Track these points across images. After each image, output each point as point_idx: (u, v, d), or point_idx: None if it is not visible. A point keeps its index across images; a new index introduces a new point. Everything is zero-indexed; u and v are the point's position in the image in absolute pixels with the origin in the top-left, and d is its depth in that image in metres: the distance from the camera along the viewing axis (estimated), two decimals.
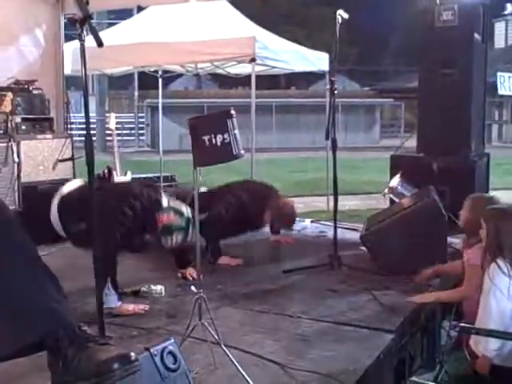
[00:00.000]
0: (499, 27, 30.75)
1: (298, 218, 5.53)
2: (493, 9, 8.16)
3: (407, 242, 4.42)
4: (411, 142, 6.98)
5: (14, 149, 5.90)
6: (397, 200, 5.44)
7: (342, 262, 4.66)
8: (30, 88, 6.39)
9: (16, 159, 5.90)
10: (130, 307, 3.71)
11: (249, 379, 2.70)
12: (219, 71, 9.84)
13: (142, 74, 15.83)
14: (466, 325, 3.22)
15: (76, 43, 2.68)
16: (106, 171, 6.69)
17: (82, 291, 3.59)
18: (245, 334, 3.38)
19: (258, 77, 8.05)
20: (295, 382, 2.81)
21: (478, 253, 3.41)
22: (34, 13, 6.84)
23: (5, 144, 5.86)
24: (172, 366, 2.33)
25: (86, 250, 3.58)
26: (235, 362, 2.77)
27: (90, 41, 2.43)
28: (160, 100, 11.51)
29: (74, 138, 6.72)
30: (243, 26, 9.00)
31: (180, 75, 14.15)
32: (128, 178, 7.02)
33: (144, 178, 9.96)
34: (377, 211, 5.60)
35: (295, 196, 10.87)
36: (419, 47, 6.64)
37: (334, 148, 4.92)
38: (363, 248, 4.85)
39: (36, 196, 4.23)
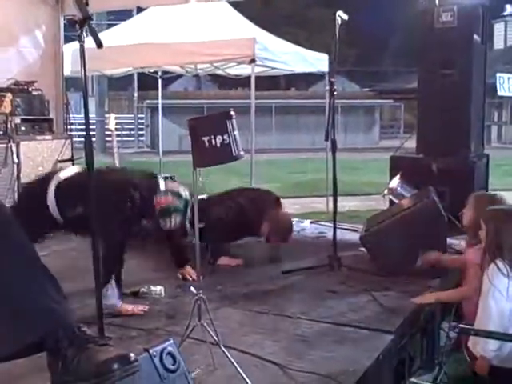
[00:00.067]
0: (498, 28, 30.81)
1: (297, 219, 5.54)
2: (492, 10, 8.18)
3: (407, 242, 4.41)
4: (411, 143, 6.98)
5: (14, 150, 5.91)
6: (396, 201, 5.44)
7: (341, 263, 4.66)
8: (30, 89, 6.40)
9: (15, 160, 5.90)
10: (130, 308, 3.72)
11: (248, 380, 2.70)
12: (219, 72, 9.84)
13: (141, 75, 15.86)
14: (466, 326, 3.22)
15: (76, 44, 2.68)
16: None
17: (82, 292, 3.59)
18: (244, 335, 3.38)
19: (257, 78, 8.05)
20: (295, 382, 2.81)
21: (480, 252, 3.41)
22: (34, 14, 6.86)
23: (4, 145, 5.87)
24: (171, 367, 2.33)
25: (83, 237, 3.59)
26: (234, 363, 2.76)
27: (89, 42, 2.43)
28: (160, 101, 11.52)
29: (74, 139, 6.74)
30: (243, 27, 9.01)
31: (180, 76, 14.19)
32: None
33: None
34: (376, 212, 5.60)
35: (294, 197, 10.95)
36: (419, 48, 6.65)
37: (334, 149, 4.92)
38: (363, 249, 4.85)
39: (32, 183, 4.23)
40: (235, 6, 9.46)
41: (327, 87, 6.44)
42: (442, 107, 6.20)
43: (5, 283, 2.02)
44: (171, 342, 2.40)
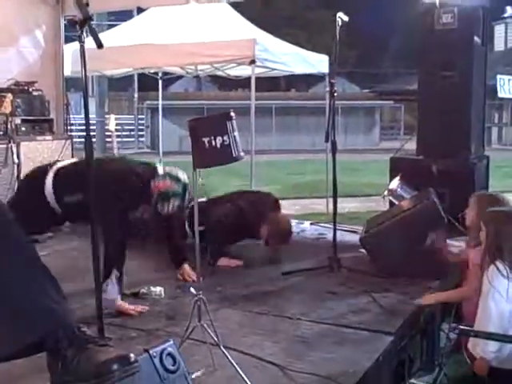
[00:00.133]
0: (499, 30, 30.85)
1: (297, 221, 5.53)
2: (492, 12, 8.19)
3: (407, 244, 4.41)
4: (411, 145, 6.98)
5: (14, 150, 5.91)
6: (396, 202, 5.43)
7: (341, 264, 4.66)
8: (30, 89, 6.40)
9: (16, 160, 5.90)
10: (127, 305, 3.70)
11: (248, 381, 2.70)
12: (219, 73, 9.84)
13: (141, 76, 15.88)
14: (466, 327, 3.22)
15: (76, 45, 2.68)
16: None
17: (82, 292, 3.59)
18: (244, 336, 3.37)
19: (257, 79, 8.06)
20: (294, 383, 2.81)
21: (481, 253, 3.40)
22: (34, 14, 6.85)
23: (5, 145, 5.87)
24: (171, 368, 2.33)
25: (79, 225, 3.58)
26: (234, 364, 2.76)
27: (89, 42, 2.44)
28: (160, 102, 11.53)
29: (74, 140, 6.73)
30: (243, 28, 9.02)
31: (180, 77, 14.21)
32: None
33: None
34: (376, 213, 5.59)
35: (294, 198, 10.95)
36: (419, 50, 6.64)
37: (334, 150, 4.91)
38: (363, 250, 4.85)
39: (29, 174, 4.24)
40: (235, 6, 9.47)
41: (327, 88, 6.43)
42: (442, 109, 6.20)
43: (5, 283, 2.02)
44: (171, 342, 2.40)
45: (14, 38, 6.63)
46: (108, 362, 1.96)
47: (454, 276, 4.22)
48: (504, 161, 15.90)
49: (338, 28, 4.77)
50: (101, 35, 2.51)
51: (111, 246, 3.51)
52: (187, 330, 2.93)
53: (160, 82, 10.85)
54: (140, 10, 9.98)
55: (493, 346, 3.04)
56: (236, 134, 3.03)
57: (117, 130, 7.91)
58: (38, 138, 6.24)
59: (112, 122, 7.36)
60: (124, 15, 14.87)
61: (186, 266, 4.38)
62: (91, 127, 2.84)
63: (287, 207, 6.04)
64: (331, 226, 5.07)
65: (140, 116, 27.20)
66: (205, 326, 2.91)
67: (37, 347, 2.04)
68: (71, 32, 2.98)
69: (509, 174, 14.18)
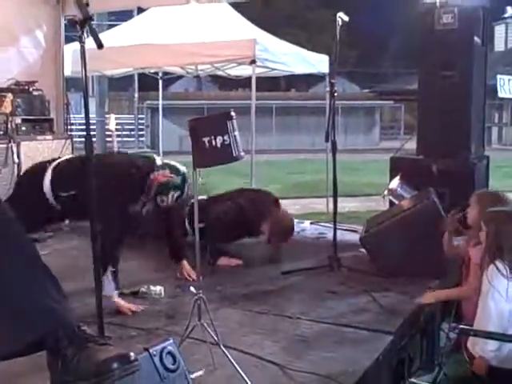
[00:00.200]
0: (499, 30, 30.85)
1: (297, 220, 5.53)
2: (493, 12, 8.19)
3: (407, 243, 4.42)
4: (411, 144, 6.97)
5: (14, 150, 5.91)
6: (396, 202, 5.43)
7: (341, 264, 4.66)
8: (30, 89, 6.40)
9: (16, 160, 5.91)
10: (124, 302, 3.70)
11: (248, 380, 2.70)
12: (219, 73, 9.85)
13: (142, 76, 15.87)
14: (465, 327, 3.22)
15: (76, 45, 2.68)
16: None
17: (82, 291, 3.59)
18: (244, 335, 3.38)
19: (258, 79, 8.06)
20: (294, 383, 2.81)
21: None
22: (35, 14, 6.85)
23: (5, 145, 5.87)
24: (171, 367, 2.33)
25: (77, 221, 3.57)
26: (234, 363, 2.77)
27: (90, 42, 2.44)
28: (160, 101, 11.53)
29: (74, 139, 6.73)
30: (243, 28, 9.02)
31: (180, 77, 14.21)
32: None
33: None
34: (376, 213, 5.60)
35: (294, 198, 10.95)
36: (419, 50, 6.64)
37: (334, 150, 4.92)
38: (363, 250, 4.85)
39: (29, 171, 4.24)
40: (236, 6, 9.47)
41: (327, 88, 6.44)
42: (442, 109, 6.19)
43: (5, 283, 2.03)
44: (171, 341, 2.41)
45: (15, 38, 6.64)
46: (108, 360, 1.96)
47: (454, 276, 4.22)
48: (504, 161, 15.91)
49: (338, 28, 4.78)
50: (101, 35, 2.51)
51: (108, 242, 3.49)
52: (187, 329, 2.94)
53: (160, 81, 10.86)
54: (140, 10, 9.99)
55: (492, 345, 3.05)
56: (236, 133, 3.03)
57: (117, 130, 7.92)
58: (39, 137, 6.24)
59: (112, 122, 7.38)
60: (124, 15, 14.86)
61: (185, 263, 4.38)
62: (91, 127, 2.84)
63: (287, 207, 6.03)
64: (331, 226, 5.08)
65: (140, 116, 27.19)
66: (205, 325, 2.91)
67: (37, 346, 2.04)
68: (71, 32, 2.98)
69: (509, 174, 14.19)
